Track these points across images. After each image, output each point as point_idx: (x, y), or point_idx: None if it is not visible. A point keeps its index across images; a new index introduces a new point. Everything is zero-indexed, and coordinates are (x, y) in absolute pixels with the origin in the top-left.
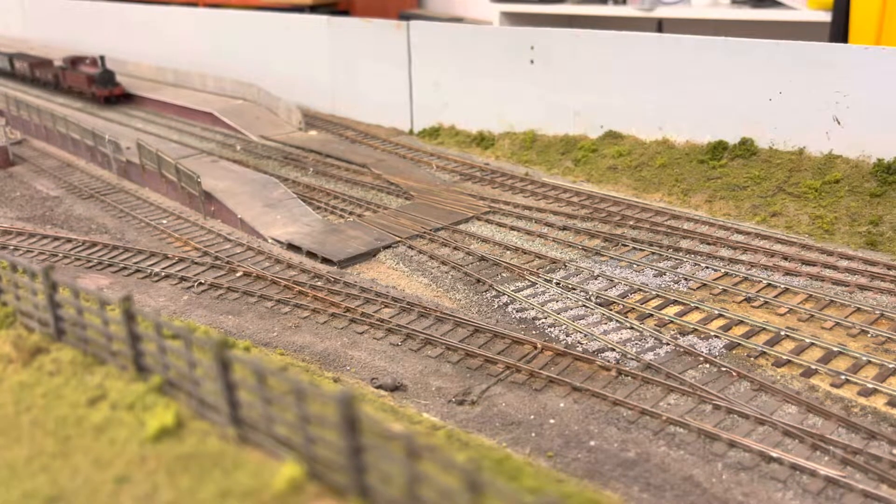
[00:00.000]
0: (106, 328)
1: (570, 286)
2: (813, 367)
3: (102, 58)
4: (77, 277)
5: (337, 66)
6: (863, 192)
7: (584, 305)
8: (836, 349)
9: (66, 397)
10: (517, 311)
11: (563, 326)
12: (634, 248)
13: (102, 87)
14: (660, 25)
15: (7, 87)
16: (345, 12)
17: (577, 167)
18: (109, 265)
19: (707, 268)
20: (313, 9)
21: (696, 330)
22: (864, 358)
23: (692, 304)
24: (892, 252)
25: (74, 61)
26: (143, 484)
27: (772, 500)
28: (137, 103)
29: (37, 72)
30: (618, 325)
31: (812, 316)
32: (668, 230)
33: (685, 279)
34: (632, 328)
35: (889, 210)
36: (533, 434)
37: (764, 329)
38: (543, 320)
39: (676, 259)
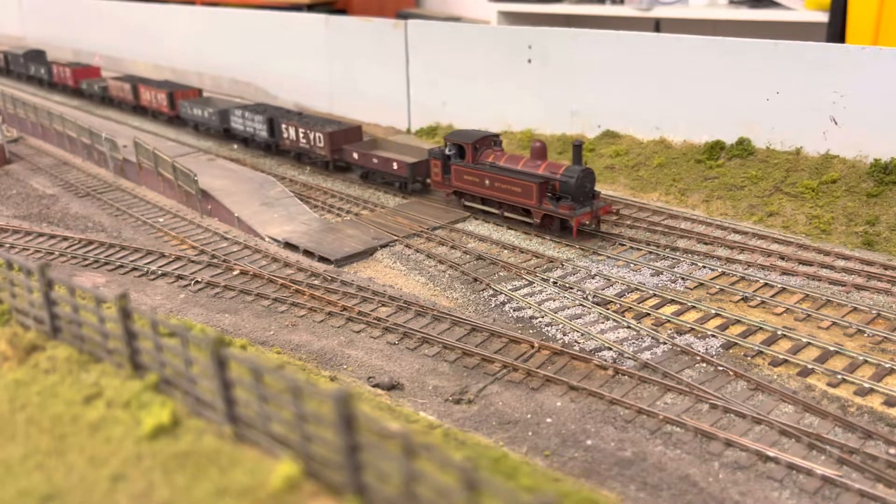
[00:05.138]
0: (102, 326)
1: (567, 285)
2: (810, 366)
3: (579, 145)
4: (73, 275)
5: (335, 65)
6: (860, 192)
7: (581, 304)
8: (832, 349)
9: (61, 395)
10: (514, 310)
11: (560, 325)
12: (631, 248)
13: (577, 205)
14: (657, 25)
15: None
16: (342, 11)
17: None
18: (106, 263)
19: (704, 267)
20: (311, 7)
21: (692, 329)
22: (861, 357)
23: (689, 304)
24: (889, 252)
25: (478, 144)
26: (138, 482)
27: (768, 500)
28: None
29: (356, 156)
30: (615, 324)
31: (809, 315)
32: (666, 230)
33: (682, 278)
34: (629, 327)
35: (886, 210)
36: (530, 433)
37: (761, 328)
38: (540, 319)
39: (673, 258)
